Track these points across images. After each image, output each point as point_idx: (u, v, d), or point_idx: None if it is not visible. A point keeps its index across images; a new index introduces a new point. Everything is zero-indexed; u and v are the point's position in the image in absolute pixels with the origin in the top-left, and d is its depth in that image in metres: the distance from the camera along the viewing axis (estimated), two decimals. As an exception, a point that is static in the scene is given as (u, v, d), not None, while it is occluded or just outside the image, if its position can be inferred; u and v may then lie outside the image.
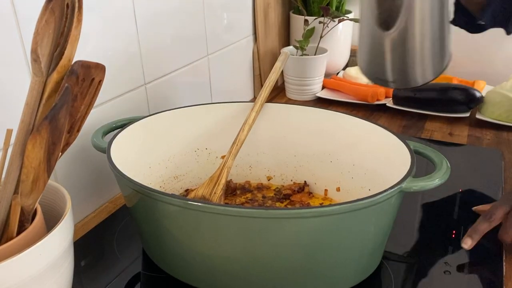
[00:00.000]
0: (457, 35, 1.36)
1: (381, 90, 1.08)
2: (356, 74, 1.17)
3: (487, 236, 0.62)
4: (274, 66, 0.75)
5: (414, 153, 0.54)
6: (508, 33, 0.70)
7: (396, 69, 0.53)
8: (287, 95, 1.17)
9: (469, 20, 0.70)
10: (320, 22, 1.12)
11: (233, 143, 0.67)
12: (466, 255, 0.58)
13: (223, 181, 0.64)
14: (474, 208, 0.66)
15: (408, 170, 0.50)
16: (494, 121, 0.96)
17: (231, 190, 0.72)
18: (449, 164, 0.52)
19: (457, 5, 0.69)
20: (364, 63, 0.55)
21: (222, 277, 0.52)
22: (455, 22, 0.72)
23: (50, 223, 0.44)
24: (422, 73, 0.53)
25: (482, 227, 0.58)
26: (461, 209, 0.69)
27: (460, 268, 0.57)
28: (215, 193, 0.62)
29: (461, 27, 0.73)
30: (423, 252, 0.60)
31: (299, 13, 1.20)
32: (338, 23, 1.12)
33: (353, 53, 1.28)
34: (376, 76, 0.55)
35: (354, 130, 0.65)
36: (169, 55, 0.82)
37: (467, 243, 0.58)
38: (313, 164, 0.71)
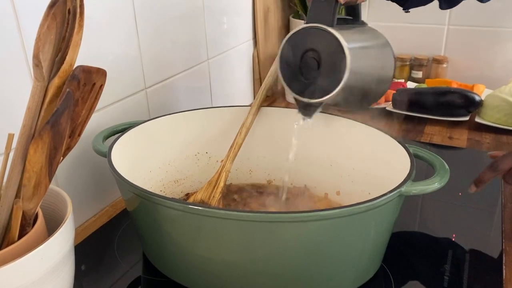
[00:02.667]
0: (457, 38, 1.37)
1: (381, 94, 1.08)
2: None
3: (487, 239, 0.62)
4: (270, 70, 0.75)
5: (414, 157, 0.55)
6: (440, 7, 0.74)
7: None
8: (287, 99, 1.17)
9: None
10: (319, 27, 1.12)
11: (231, 146, 0.67)
12: (466, 258, 0.59)
13: (221, 184, 0.64)
14: (489, 153, 0.69)
15: (408, 174, 0.50)
16: (494, 124, 0.96)
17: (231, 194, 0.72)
18: (448, 168, 0.52)
19: None
20: None
21: (222, 281, 0.52)
22: None
23: (51, 227, 0.44)
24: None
25: (487, 175, 0.61)
26: (460, 212, 0.70)
27: (460, 271, 0.57)
28: (213, 196, 0.63)
29: (393, 1, 0.78)
30: (423, 255, 0.60)
31: (299, 17, 1.20)
32: (338, 27, 1.12)
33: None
34: None
35: (353, 134, 0.66)
36: (170, 60, 0.83)
37: (472, 189, 0.63)
38: (313, 168, 0.71)
